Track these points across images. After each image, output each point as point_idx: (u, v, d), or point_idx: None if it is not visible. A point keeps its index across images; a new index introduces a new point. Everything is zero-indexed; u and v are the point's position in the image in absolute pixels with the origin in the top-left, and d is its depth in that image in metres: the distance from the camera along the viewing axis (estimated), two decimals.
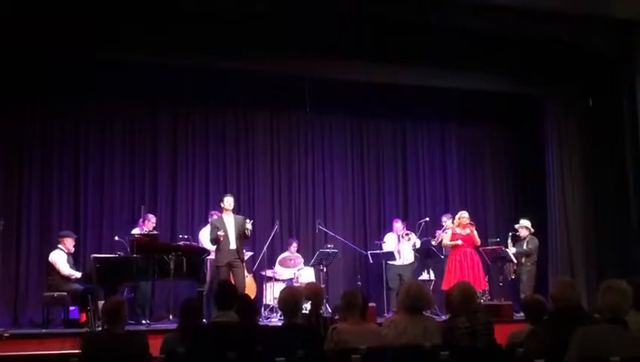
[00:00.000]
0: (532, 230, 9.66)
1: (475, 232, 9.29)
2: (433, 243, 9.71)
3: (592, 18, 8.48)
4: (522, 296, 8.77)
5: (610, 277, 3.77)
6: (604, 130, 9.97)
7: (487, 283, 9.33)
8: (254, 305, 5.20)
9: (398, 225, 9.90)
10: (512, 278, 9.68)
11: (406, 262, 9.67)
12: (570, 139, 10.34)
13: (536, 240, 9.61)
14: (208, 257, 8.64)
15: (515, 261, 9.48)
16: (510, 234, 9.70)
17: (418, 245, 9.79)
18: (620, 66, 9.31)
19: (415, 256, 9.80)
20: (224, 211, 8.58)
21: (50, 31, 7.90)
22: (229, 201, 8.58)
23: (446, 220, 9.75)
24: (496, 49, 9.09)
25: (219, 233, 8.26)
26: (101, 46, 8.16)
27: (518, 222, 9.78)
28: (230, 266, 8.29)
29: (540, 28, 8.46)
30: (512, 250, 9.52)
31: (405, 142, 11.20)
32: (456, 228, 9.31)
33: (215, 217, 8.78)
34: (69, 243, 8.28)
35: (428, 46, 8.86)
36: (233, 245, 8.37)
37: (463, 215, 9.39)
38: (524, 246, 9.49)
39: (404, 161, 11.17)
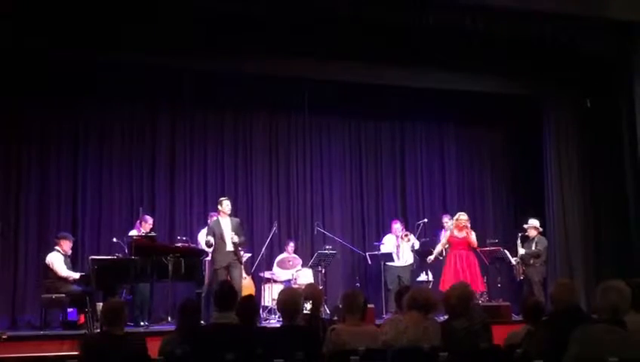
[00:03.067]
0: (541, 229, 9.58)
1: (473, 235, 9.20)
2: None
3: (590, 19, 8.48)
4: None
5: (609, 278, 3.77)
6: (602, 130, 9.98)
7: (484, 285, 9.29)
8: (256, 307, 5.20)
9: (397, 226, 9.89)
10: (520, 279, 9.56)
11: (405, 264, 9.67)
12: (568, 139, 10.35)
13: (545, 241, 9.55)
14: (206, 259, 8.64)
15: (514, 263, 9.45)
16: (520, 235, 9.55)
17: (417, 246, 9.79)
18: (618, 67, 9.33)
19: (414, 258, 9.80)
20: (221, 214, 8.59)
21: (50, 31, 7.90)
22: (227, 205, 8.62)
23: (447, 221, 9.75)
24: (495, 50, 9.10)
25: (207, 238, 8.41)
26: (100, 46, 8.16)
27: (526, 222, 9.64)
28: (228, 268, 8.34)
29: (539, 29, 8.46)
30: (520, 251, 9.41)
31: (404, 144, 11.20)
32: (454, 229, 9.27)
33: (215, 218, 8.83)
34: (66, 245, 8.26)
35: (426, 47, 8.87)
36: (230, 247, 8.41)
37: (461, 217, 9.23)
38: (533, 247, 9.40)
39: (402, 162, 11.17)
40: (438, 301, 4.56)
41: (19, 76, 8.75)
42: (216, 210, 8.99)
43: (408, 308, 4.41)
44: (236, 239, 8.44)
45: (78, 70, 8.83)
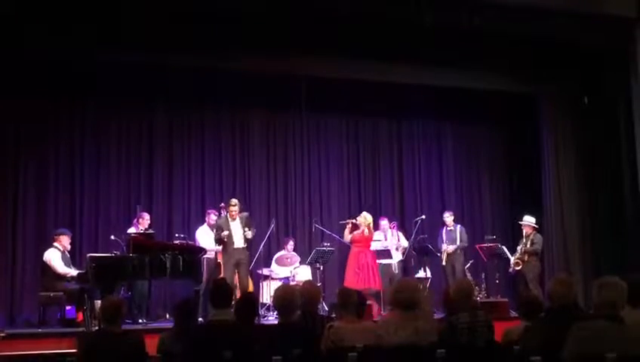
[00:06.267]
0: (536, 227, 9.52)
1: (366, 232, 9.23)
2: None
3: (588, 16, 8.48)
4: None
5: (607, 275, 3.77)
6: (599, 128, 9.99)
7: (380, 285, 9.15)
8: (256, 304, 5.20)
9: (384, 222, 9.89)
10: (515, 270, 9.38)
11: (391, 261, 9.59)
12: (565, 137, 10.36)
13: (540, 237, 9.48)
14: (205, 256, 8.64)
15: (512, 262, 9.40)
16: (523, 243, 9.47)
17: (405, 244, 9.73)
18: (615, 64, 9.33)
19: (412, 254, 9.80)
20: (232, 215, 8.56)
21: (49, 30, 7.89)
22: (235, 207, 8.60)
23: (448, 216, 9.87)
24: (491, 47, 9.09)
25: (222, 233, 8.33)
26: (99, 46, 8.15)
27: (521, 219, 9.60)
28: (236, 265, 8.38)
29: (536, 26, 8.46)
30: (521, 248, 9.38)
31: (401, 141, 11.19)
32: (364, 228, 9.31)
33: (213, 216, 8.81)
34: (65, 240, 8.25)
35: (424, 44, 8.86)
36: (238, 244, 8.43)
37: (364, 216, 9.33)
38: (529, 245, 9.32)
39: (399, 159, 11.16)
40: (421, 294, 4.50)
41: (16, 75, 8.71)
42: (214, 208, 9.01)
43: (392, 307, 4.38)
44: (250, 235, 8.45)
45: (76, 69, 8.82)
